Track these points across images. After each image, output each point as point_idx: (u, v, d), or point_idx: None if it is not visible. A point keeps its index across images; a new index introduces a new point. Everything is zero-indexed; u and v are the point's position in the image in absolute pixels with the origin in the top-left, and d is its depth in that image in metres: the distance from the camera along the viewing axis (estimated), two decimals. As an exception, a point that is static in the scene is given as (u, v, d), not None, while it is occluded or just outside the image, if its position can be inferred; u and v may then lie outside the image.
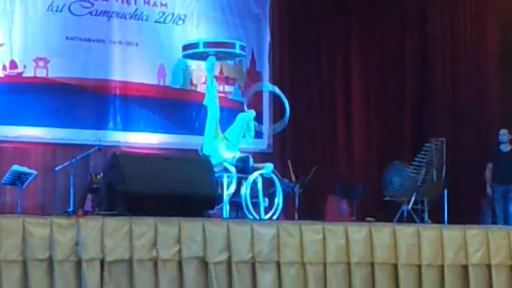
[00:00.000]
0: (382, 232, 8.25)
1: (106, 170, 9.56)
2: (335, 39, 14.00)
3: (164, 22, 12.78)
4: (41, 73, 11.92)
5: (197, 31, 12.86)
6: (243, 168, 10.07)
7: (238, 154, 10.31)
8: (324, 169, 12.70)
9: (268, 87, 12.18)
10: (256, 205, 10.09)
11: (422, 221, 11.90)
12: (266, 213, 9.79)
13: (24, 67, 11.83)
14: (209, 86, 10.83)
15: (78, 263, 7.21)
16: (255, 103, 12.57)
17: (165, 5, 12.81)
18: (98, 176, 10.68)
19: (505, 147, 11.83)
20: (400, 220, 11.82)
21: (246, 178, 9.97)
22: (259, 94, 12.66)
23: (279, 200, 9.97)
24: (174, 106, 12.70)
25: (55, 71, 11.97)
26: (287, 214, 12.27)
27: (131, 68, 12.47)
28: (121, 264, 7.34)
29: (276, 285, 7.81)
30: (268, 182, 10.14)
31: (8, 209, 10.90)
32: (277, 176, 10.66)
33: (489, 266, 8.51)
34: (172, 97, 12.72)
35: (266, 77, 13.39)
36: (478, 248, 8.49)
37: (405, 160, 12.82)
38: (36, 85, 11.87)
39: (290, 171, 11.91)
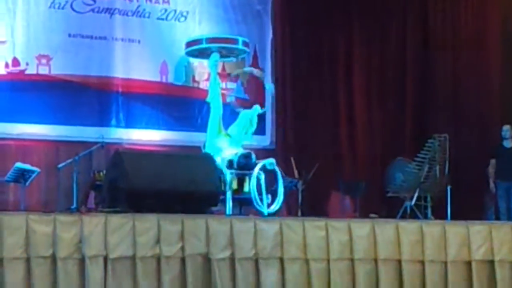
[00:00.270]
0: (386, 228, 8.26)
1: (109, 167, 9.56)
2: (337, 35, 13.98)
3: (166, 19, 12.78)
4: (43, 70, 11.92)
5: (199, 28, 12.86)
6: (246, 164, 10.06)
7: (241, 151, 10.30)
8: (327, 166, 12.71)
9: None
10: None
11: (425, 217, 11.89)
12: (268, 207, 9.76)
13: (27, 64, 11.83)
14: (212, 83, 10.82)
15: (82, 260, 7.22)
16: (258, 100, 12.57)
17: (167, 2, 12.81)
18: (101, 173, 10.67)
19: (508, 143, 11.82)
20: (403, 216, 11.81)
21: (248, 175, 9.96)
22: (262, 91, 12.63)
23: (280, 191, 9.92)
24: (177, 103, 12.69)
25: (57, 68, 11.97)
26: (290, 210, 12.29)
27: (134, 65, 12.47)
28: (124, 261, 7.36)
29: (279, 281, 7.81)
30: (271, 180, 10.12)
31: (11, 206, 10.92)
32: (280, 171, 10.67)
33: (492, 262, 8.52)
34: (174, 94, 12.72)
35: (268, 74, 13.38)
36: (481, 244, 8.49)
37: (408, 157, 12.80)
38: (39, 83, 11.87)
39: (293, 167, 11.90)
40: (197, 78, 12.87)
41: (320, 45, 13.81)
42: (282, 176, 10.91)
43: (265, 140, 12.94)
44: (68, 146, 11.66)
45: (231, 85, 12.96)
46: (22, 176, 10.36)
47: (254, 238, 7.76)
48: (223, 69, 12.60)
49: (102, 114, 12.25)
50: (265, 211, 9.62)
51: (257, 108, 10.60)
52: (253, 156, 10.27)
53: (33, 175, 10.46)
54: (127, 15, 12.51)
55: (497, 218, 11.63)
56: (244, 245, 7.73)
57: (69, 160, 10.42)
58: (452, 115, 13.62)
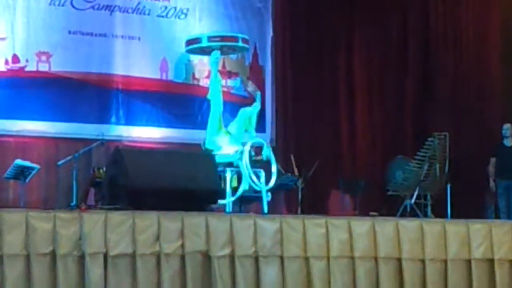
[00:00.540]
0: (386, 226, 8.26)
1: (109, 165, 9.56)
2: (337, 33, 13.97)
3: (166, 16, 12.76)
4: (43, 67, 11.90)
5: (200, 25, 12.84)
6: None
7: (241, 148, 10.31)
8: (327, 164, 12.70)
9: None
10: (259, 199, 10.09)
11: (425, 215, 11.89)
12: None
13: (27, 61, 11.81)
14: (213, 80, 10.82)
15: (81, 257, 7.22)
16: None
17: (168, -1, 12.81)
18: (101, 170, 10.66)
19: (508, 142, 11.82)
20: (403, 215, 11.81)
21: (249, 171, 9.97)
22: (262, 89, 12.62)
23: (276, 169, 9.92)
24: (177, 100, 12.68)
25: (57, 65, 11.95)
26: (290, 208, 12.29)
27: (134, 62, 12.45)
28: (124, 258, 7.36)
29: (279, 279, 7.81)
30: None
31: (11, 203, 10.90)
32: (279, 169, 10.68)
33: (492, 261, 8.52)
34: (174, 91, 12.70)
35: (269, 71, 13.37)
36: (481, 243, 8.50)
37: (408, 155, 12.80)
38: (39, 79, 11.85)
39: (292, 165, 11.90)
40: (197, 76, 12.86)
41: (320, 43, 13.79)
42: (282, 174, 10.94)
43: (265, 138, 12.91)
44: (68, 143, 11.65)
45: (232, 82, 12.94)
46: (21, 173, 10.34)
47: (254, 236, 7.76)
48: (223, 66, 12.59)
49: (102, 111, 12.23)
50: (265, 209, 9.61)
51: (256, 106, 10.60)
52: (253, 153, 10.28)
53: (33, 172, 10.44)
54: (127, 12, 12.49)
55: (497, 216, 11.64)
56: (244, 242, 7.72)
57: (69, 157, 10.40)
58: (453, 113, 13.62)
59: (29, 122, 11.76)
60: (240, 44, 11.05)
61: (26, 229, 7.10)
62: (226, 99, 11.56)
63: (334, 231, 8.04)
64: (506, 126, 11.83)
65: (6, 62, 11.70)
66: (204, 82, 12.65)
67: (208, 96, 10.75)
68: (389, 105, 14.02)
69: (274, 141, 13.16)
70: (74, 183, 10.03)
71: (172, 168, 8.96)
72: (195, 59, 12.60)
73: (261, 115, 11.62)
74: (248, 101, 11.79)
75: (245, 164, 9.80)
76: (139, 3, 12.56)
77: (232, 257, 7.69)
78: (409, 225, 8.39)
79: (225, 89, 12.14)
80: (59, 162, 10.62)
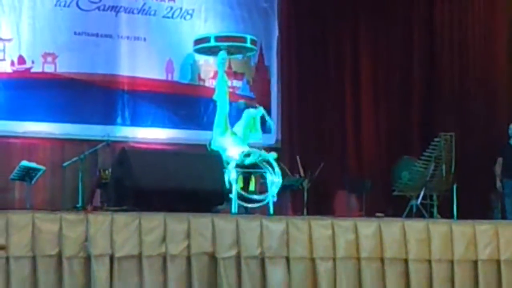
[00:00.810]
0: (392, 227, 8.25)
1: (114, 166, 9.55)
2: (343, 33, 13.95)
3: (172, 17, 12.76)
4: (49, 68, 11.92)
5: (205, 25, 12.84)
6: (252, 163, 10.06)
7: (247, 149, 10.30)
8: (332, 164, 12.68)
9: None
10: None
11: (431, 216, 11.85)
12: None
13: (32, 62, 11.83)
14: (220, 81, 10.81)
15: (87, 259, 7.23)
16: (264, 98, 12.59)
17: (173, 0, 12.79)
18: (107, 172, 10.66)
19: (515, 142, 11.78)
20: (409, 215, 11.78)
21: (254, 173, 9.95)
22: (267, 89, 12.62)
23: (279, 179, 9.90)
24: (182, 101, 12.67)
25: (63, 67, 11.96)
26: (295, 209, 12.28)
27: (139, 63, 12.46)
28: (130, 259, 7.36)
29: (285, 280, 7.81)
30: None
31: (17, 205, 10.91)
32: (284, 169, 10.67)
33: (498, 261, 8.50)
34: (180, 92, 12.70)
35: (274, 71, 13.36)
36: (488, 243, 8.49)
37: (414, 155, 12.77)
38: (44, 81, 11.87)
39: (298, 166, 11.88)
40: (202, 76, 12.85)
41: (326, 43, 13.78)
42: (287, 174, 10.92)
43: (271, 139, 12.91)
44: (74, 144, 11.66)
45: (237, 83, 12.93)
46: (27, 174, 10.34)
47: (260, 237, 7.76)
48: (229, 66, 12.58)
49: (108, 112, 12.24)
50: (271, 211, 9.60)
51: (260, 110, 10.58)
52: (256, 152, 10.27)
53: (39, 174, 10.44)
54: (132, 13, 12.50)
55: (503, 217, 11.59)
56: (250, 244, 7.72)
57: (74, 159, 10.40)
58: (459, 113, 13.58)
59: (35, 123, 11.77)
60: (248, 45, 11.03)
61: (32, 230, 7.11)
62: (231, 99, 11.56)
63: (340, 232, 8.03)
64: (513, 126, 11.79)
65: (12, 64, 11.72)
66: (209, 83, 12.65)
67: (214, 97, 10.74)
68: (395, 105, 14.00)
69: (279, 141, 13.15)
70: (80, 184, 10.03)
71: (178, 169, 8.95)
72: (201, 59, 12.60)
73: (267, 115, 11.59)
74: (253, 102, 11.78)
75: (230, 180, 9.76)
76: (144, 4, 12.56)
77: (238, 258, 7.69)
78: (415, 226, 8.38)
79: (230, 90, 12.15)
80: (65, 164, 10.62)
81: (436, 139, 12.35)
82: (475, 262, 8.45)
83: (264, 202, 9.72)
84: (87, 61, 12.12)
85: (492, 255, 8.49)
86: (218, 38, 10.85)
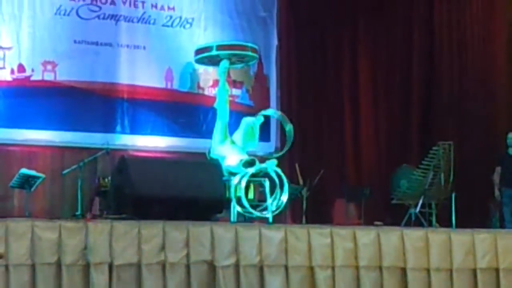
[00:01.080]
0: (390, 235, 8.25)
1: (114, 174, 9.57)
2: (342, 41, 13.99)
3: (171, 26, 12.80)
4: (49, 76, 11.95)
5: (205, 34, 12.88)
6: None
7: (246, 157, 10.30)
8: (331, 173, 12.70)
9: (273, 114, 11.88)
10: (264, 209, 10.06)
11: (430, 224, 11.86)
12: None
13: (32, 70, 11.86)
14: (221, 90, 10.78)
15: (86, 267, 7.23)
16: (263, 107, 12.56)
17: (173, 8, 12.83)
18: (106, 180, 10.68)
19: (513, 151, 11.80)
20: (408, 224, 11.79)
21: (253, 181, 9.94)
22: (266, 98, 12.64)
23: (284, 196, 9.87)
24: (182, 110, 12.70)
25: (63, 75, 11.99)
26: (294, 217, 12.28)
27: (139, 72, 12.49)
28: (129, 268, 7.37)
29: (284, 288, 7.81)
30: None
31: (16, 212, 10.92)
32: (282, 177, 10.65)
33: (497, 270, 8.50)
34: (179, 100, 12.73)
35: (273, 80, 13.39)
36: (487, 252, 8.48)
37: (413, 163, 12.79)
38: (44, 89, 11.89)
39: (297, 174, 11.89)
40: (202, 85, 12.89)
41: (325, 52, 13.82)
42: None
43: (270, 147, 12.93)
44: (73, 152, 11.67)
45: (236, 91, 12.96)
46: (27, 182, 10.36)
47: (259, 245, 7.77)
48: (229, 75, 12.57)
49: (107, 120, 12.26)
50: (270, 219, 9.58)
51: (260, 118, 10.57)
52: (257, 162, 10.25)
53: (38, 181, 10.46)
54: (132, 21, 12.53)
55: (502, 225, 11.60)
56: (249, 252, 7.73)
57: (74, 166, 10.41)
58: (458, 122, 13.60)
59: (35, 131, 11.79)
60: (250, 53, 11.04)
61: (31, 238, 7.12)
62: (230, 108, 11.56)
63: (339, 241, 8.04)
64: (511, 135, 11.80)
65: (12, 72, 11.75)
66: (209, 91, 12.68)
67: (215, 105, 10.73)
68: (394, 114, 14.03)
69: (279, 149, 13.16)
70: (79, 192, 10.04)
71: (177, 177, 8.97)
72: (200, 68, 12.62)
73: (266, 124, 11.60)
74: (252, 110, 11.80)
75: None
76: (144, 13, 12.60)
77: (237, 266, 7.69)
78: (414, 234, 8.38)
79: (230, 98, 12.15)
80: (64, 171, 10.63)
81: (434, 148, 12.36)
82: (474, 271, 8.45)
83: (268, 213, 9.70)
84: (87, 70, 12.15)
85: (491, 263, 8.49)
86: (219, 47, 10.85)
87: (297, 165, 12.08)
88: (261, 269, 7.77)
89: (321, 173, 11.84)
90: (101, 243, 7.25)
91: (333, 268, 7.98)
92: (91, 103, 12.14)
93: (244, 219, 9.93)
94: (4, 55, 11.74)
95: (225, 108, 10.58)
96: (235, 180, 9.49)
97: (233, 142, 10.41)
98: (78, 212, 9.85)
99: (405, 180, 12.57)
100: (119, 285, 7.29)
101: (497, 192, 11.74)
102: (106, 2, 12.37)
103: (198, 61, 11.33)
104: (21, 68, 11.80)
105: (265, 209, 9.57)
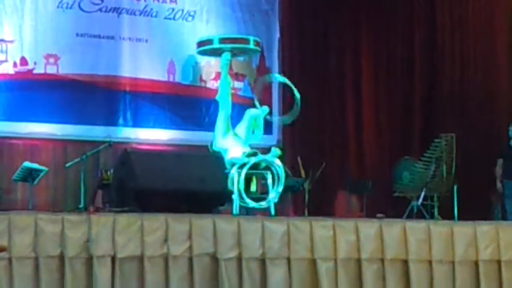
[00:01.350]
0: (393, 228, 8.26)
1: (116, 167, 9.60)
2: (344, 35, 13.97)
3: (173, 19, 12.79)
4: (51, 69, 11.96)
5: (207, 27, 12.88)
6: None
7: (248, 150, 10.31)
8: (333, 165, 12.71)
9: (278, 78, 12.06)
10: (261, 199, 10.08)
11: (432, 217, 11.87)
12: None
13: (35, 63, 11.87)
14: (223, 82, 10.79)
15: (89, 260, 7.25)
16: (264, 96, 12.56)
17: (175, 1, 12.83)
18: (109, 173, 10.70)
19: (515, 143, 11.80)
20: (410, 216, 11.80)
21: (256, 174, 9.96)
22: (268, 88, 12.64)
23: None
24: (184, 102, 12.71)
25: (65, 68, 12.00)
26: (296, 210, 12.30)
27: (141, 65, 12.50)
28: (132, 260, 7.39)
29: (286, 281, 7.83)
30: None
31: (19, 206, 10.94)
32: (286, 171, 10.65)
33: (499, 262, 8.51)
34: (182, 93, 12.74)
35: (276, 73, 13.38)
36: (489, 244, 8.49)
37: (415, 156, 12.79)
38: (47, 82, 11.90)
39: (299, 167, 11.91)
40: (204, 77, 12.89)
41: (327, 45, 13.81)
42: (289, 176, 10.92)
43: (272, 140, 12.94)
44: (76, 145, 11.69)
45: (238, 84, 12.96)
46: (30, 175, 10.39)
47: (261, 238, 7.78)
48: (230, 68, 12.58)
49: (110, 113, 12.28)
50: (272, 211, 9.60)
51: (264, 110, 10.57)
52: (260, 155, 10.27)
53: (41, 174, 10.49)
54: (134, 14, 12.53)
55: (504, 218, 11.61)
56: (251, 245, 7.74)
57: (76, 159, 10.44)
58: (460, 115, 13.60)
59: (37, 125, 11.81)
60: (252, 46, 11.04)
61: (34, 231, 7.14)
62: (233, 101, 11.57)
63: (341, 233, 8.05)
64: (513, 127, 11.81)
65: (15, 65, 11.76)
66: (211, 84, 12.69)
67: (217, 97, 10.73)
68: (395, 106, 14.02)
69: (280, 142, 13.17)
70: (82, 185, 10.07)
71: (180, 170, 8.98)
72: (202, 61, 12.63)
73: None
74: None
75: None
76: (146, 5, 12.60)
77: (239, 259, 7.71)
78: (416, 227, 8.39)
79: (232, 91, 12.16)
80: (67, 164, 10.66)
81: (436, 140, 12.37)
82: (476, 263, 8.46)
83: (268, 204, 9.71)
84: (89, 63, 12.16)
85: (493, 256, 8.49)
86: (222, 40, 10.85)
87: (299, 158, 12.09)
88: (263, 262, 7.79)
89: (323, 166, 11.85)
90: (104, 236, 7.27)
91: (335, 260, 7.99)
92: (93, 96, 12.15)
93: (246, 212, 9.95)
94: (7, 48, 11.75)
95: (228, 101, 10.58)
96: (232, 171, 9.49)
97: (235, 135, 10.42)
98: (81, 205, 9.87)
99: (407, 172, 12.58)
100: (122, 278, 7.32)
101: (499, 184, 11.75)
102: (108, -5, 12.39)
103: (201, 52, 11.34)
104: (23, 61, 11.81)
105: (263, 199, 9.58)
